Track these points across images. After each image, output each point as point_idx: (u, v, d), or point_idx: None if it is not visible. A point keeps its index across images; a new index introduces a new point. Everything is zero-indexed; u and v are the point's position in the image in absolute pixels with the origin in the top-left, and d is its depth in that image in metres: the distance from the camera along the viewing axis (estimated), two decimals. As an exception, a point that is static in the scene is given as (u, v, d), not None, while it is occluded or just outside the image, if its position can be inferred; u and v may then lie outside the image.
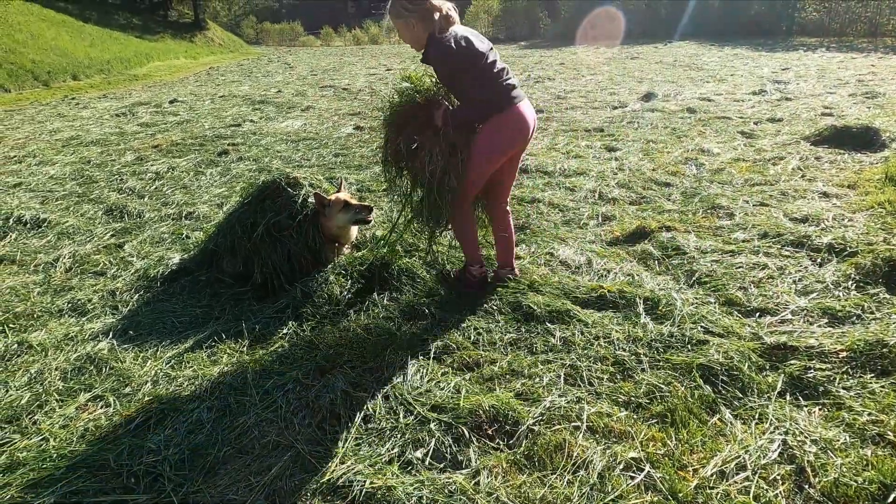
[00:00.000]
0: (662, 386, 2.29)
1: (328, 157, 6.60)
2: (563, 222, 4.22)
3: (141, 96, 12.82)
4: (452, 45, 2.59)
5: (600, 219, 4.24)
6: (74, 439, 2.15)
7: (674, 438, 2.02)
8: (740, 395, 2.23)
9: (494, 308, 2.97)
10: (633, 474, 1.88)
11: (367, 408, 2.23)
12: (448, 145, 2.76)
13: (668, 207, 4.40)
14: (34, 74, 14.94)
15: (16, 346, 2.84)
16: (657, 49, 19.58)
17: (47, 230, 4.44)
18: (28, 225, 4.51)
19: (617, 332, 2.68)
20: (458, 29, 2.70)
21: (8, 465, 2.03)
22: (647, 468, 1.89)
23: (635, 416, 2.15)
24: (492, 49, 2.78)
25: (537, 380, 2.38)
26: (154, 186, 5.58)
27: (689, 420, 2.10)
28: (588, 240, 3.85)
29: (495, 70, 2.73)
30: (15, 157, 7.04)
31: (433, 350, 2.64)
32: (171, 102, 11.22)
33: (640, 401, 2.22)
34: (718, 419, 2.11)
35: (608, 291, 3.02)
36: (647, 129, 7.24)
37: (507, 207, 3.19)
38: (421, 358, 2.59)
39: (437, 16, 2.63)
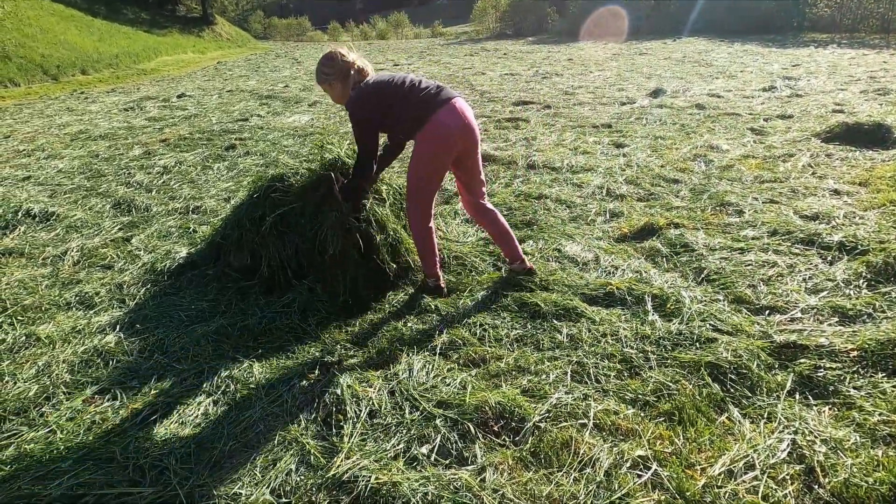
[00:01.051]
0: (670, 384, 2.27)
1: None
2: (571, 218, 4.20)
3: (149, 91, 12.86)
4: (354, 99, 2.81)
5: (608, 215, 4.22)
6: (81, 432, 2.16)
7: (681, 437, 2.00)
8: (749, 394, 2.21)
9: (501, 304, 2.96)
10: (640, 472, 1.86)
11: (373, 403, 2.23)
12: (343, 228, 2.99)
13: (677, 204, 4.37)
14: (43, 68, 15.02)
15: (24, 338, 2.86)
16: (666, 45, 19.45)
17: (55, 223, 4.47)
18: (37, 218, 4.55)
19: (624, 329, 2.66)
20: (370, 77, 2.89)
21: (16, 457, 2.04)
22: (655, 466, 1.87)
23: (643, 414, 2.13)
24: (404, 78, 2.86)
25: (544, 377, 2.37)
26: (161, 181, 5.60)
27: (696, 418, 2.08)
28: (595, 236, 3.82)
29: (404, 90, 2.81)
30: (24, 150, 7.09)
31: (439, 346, 2.63)
32: (178, 97, 11.25)
33: (647, 399, 2.21)
34: (727, 418, 2.09)
35: (616, 288, 3.00)
36: (655, 126, 7.19)
37: (488, 204, 3.16)
38: (427, 353, 2.58)
39: (351, 72, 2.85)
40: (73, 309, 3.17)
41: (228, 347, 2.73)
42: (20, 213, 4.57)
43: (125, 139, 7.54)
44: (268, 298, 3.12)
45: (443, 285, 3.14)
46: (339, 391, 2.27)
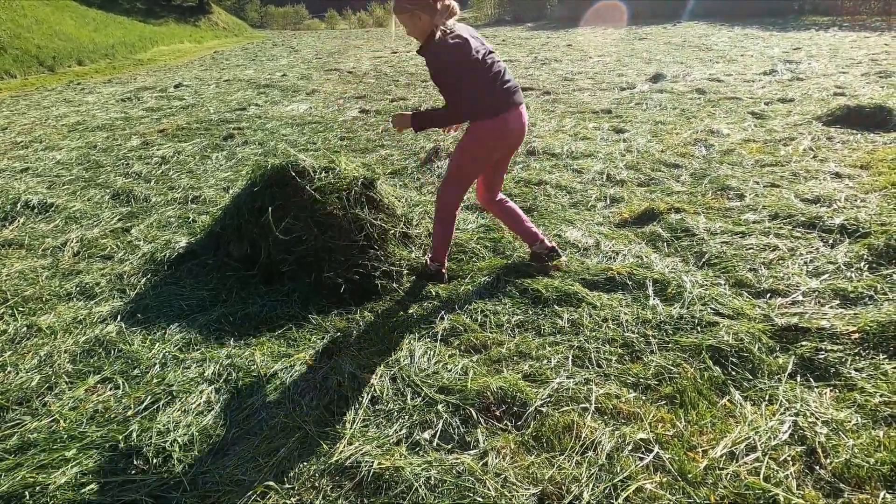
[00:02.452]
0: (671, 367, 2.27)
1: (333, 140, 6.56)
2: (571, 204, 4.19)
3: (146, 81, 12.79)
4: (449, 46, 2.57)
5: (608, 201, 4.20)
6: (84, 421, 2.16)
7: (683, 420, 2.00)
8: (750, 377, 2.21)
9: (502, 291, 2.95)
10: (641, 455, 1.87)
11: (375, 389, 2.23)
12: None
13: (677, 189, 4.35)
14: (39, 59, 14.92)
15: (25, 329, 2.86)
16: (666, 29, 19.31)
17: (54, 214, 4.46)
18: (35, 209, 4.54)
19: (626, 314, 2.66)
20: (459, 27, 2.66)
21: (20, 446, 2.04)
22: (656, 449, 1.88)
23: (644, 398, 2.13)
24: (491, 52, 2.73)
25: (545, 362, 2.37)
26: (160, 171, 5.58)
27: (698, 401, 2.08)
28: (596, 222, 3.81)
29: (491, 73, 2.68)
30: (21, 142, 7.06)
31: (440, 332, 2.63)
32: (175, 87, 11.18)
33: (648, 382, 2.21)
34: (728, 400, 2.09)
35: (617, 273, 2.99)
36: (655, 111, 7.15)
37: (501, 196, 3.14)
38: (428, 340, 2.58)
39: (439, 6, 2.58)
40: (74, 299, 3.17)
41: (229, 336, 2.73)
42: (19, 205, 4.55)
43: (123, 130, 7.51)
44: (268, 288, 3.12)
45: (444, 271, 3.13)
46: (340, 378, 2.28)
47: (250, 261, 3.32)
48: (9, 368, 2.53)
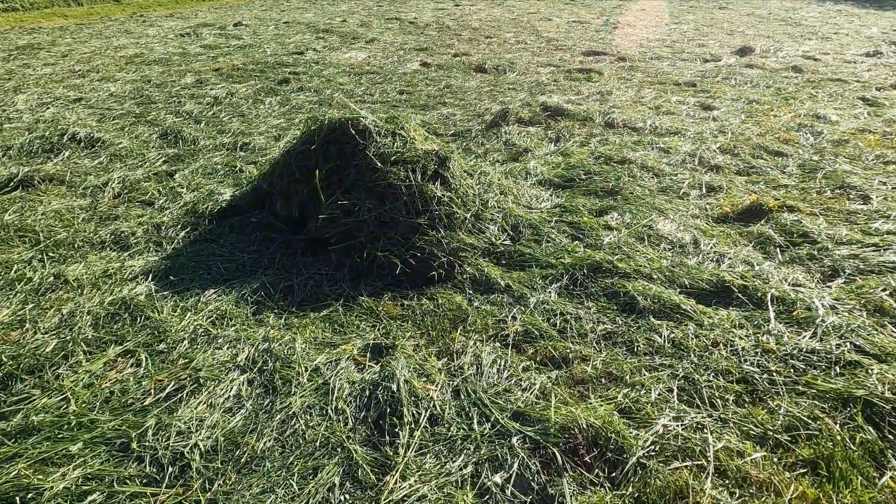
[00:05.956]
0: (808, 420, 1.80)
1: (392, 93, 6.10)
2: (660, 189, 3.65)
3: (206, 17, 12.49)
4: None
5: (703, 189, 3.65)
6: (98, 404, 1.87)
7: (834, 500, 1.55)
8: (913, 444, 1.74)
9: (585, 290, 2.50)
10: (779, 544, 1.44)
11: (435, 405, 1.85)
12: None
13: (785, 182, 3.76)
14: (103, -12, 14.77)
15: (52, 278, 2.61)
16: (750, -1, 17.79)
17: (100, 150, 4.28)
18: (82, 143, 4.38)
19: (741, 338, 2.18)
20: None
21: (23, 428, 1.76)
22: (798, 537, 1.45)
23: (776, 460, 1.68)
24: None
25: (643, 392, 1.93)
26: (211, 112, 5.28)
27: (850, 475, 1.62)
28: (691, 213, 3.29)
29: None
30: (79, 70, 6.92)
31: (511, 335, 2.22)
32: (235, 25, 10.86)
33: (779, 437, 1.75)
34: (891, 479, 1.63)
35: (728, 283, 2.49)
36: (746, 88, 6.41)
37: None
38: (498, 345, 2.17)
39: None
40: (107, 249, 2.91)
41: (269, 311, 2.40)
42: (66, 137, 4.38)
43: (178, 66, 7.23)
44: (315, 258, 2.76)
45: None
46: (394, 386, 1.90)
47: (297, 224, 2.97)
48: (27, 325, 2.27)
